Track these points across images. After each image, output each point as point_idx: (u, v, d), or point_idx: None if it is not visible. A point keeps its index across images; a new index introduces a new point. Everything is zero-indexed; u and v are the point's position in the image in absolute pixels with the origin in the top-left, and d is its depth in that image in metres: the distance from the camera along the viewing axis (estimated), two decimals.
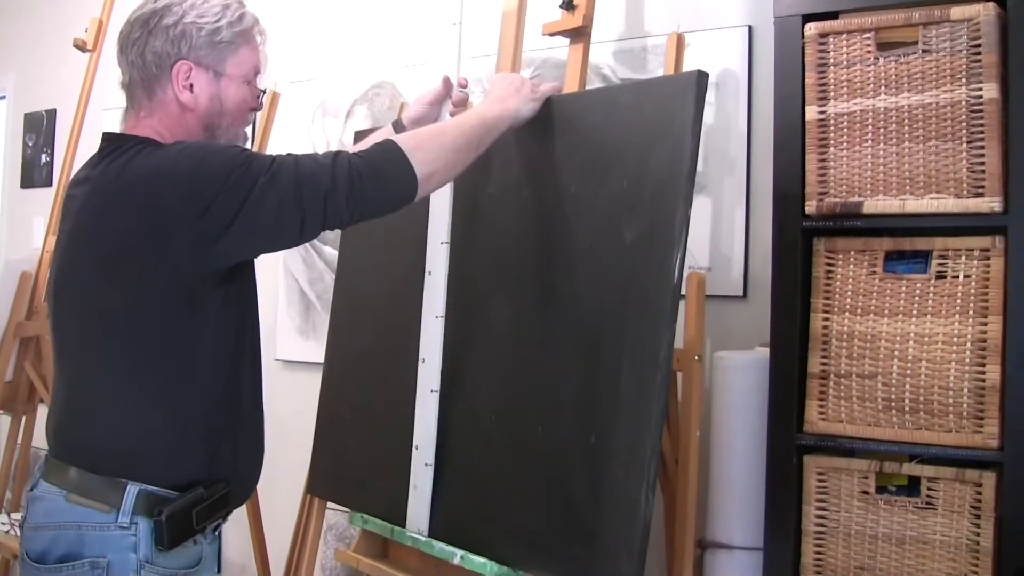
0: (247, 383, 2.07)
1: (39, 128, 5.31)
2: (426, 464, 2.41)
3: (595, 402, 2.15)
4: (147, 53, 2.01)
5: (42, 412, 4.29)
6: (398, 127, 2.49)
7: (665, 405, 2.04)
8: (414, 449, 2.44)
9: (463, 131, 2.12)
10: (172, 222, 1.86)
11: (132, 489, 1.91)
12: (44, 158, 5.29)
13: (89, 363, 1.98)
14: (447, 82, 2.50)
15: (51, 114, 5.27)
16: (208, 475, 1.98)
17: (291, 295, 4.18)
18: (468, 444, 2.40)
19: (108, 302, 1.92)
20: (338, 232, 3.23)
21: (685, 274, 2.74)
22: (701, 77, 2.10)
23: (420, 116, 2.51)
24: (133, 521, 1.90)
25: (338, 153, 1.95)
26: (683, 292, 2.61)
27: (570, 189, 2.30)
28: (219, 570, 4.01)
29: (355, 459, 2.77)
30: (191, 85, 2.02)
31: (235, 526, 3.71)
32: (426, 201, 2.48)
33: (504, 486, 2.27)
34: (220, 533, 2.11)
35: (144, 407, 1.94)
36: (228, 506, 2.06)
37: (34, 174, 5.34)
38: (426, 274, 2.50)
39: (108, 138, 2.03)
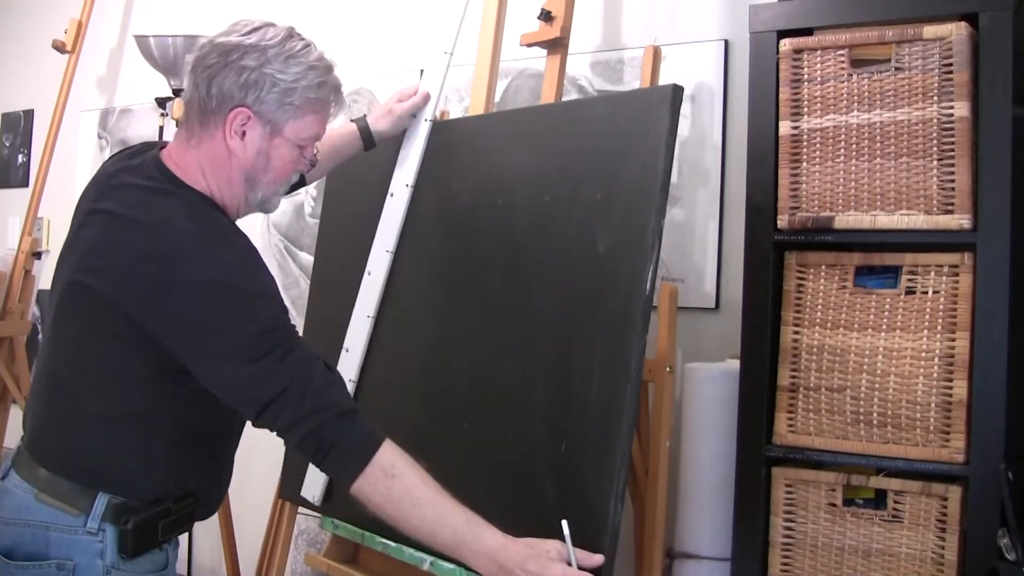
0: (217, 414, 2.01)
1: (16, 128, 5.30)
2: None
3: (566, 411, 2.16)
4: (214, 85, 1.92)
5: (14, 412, 4.29)
6: (362, 127, 2.55)
7: (635, 415, 2.05)
8: None
9: (429, 531, 1.92)
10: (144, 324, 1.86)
11: (103, 497, 1.91)
12: (21, 158, 5.27)
13: (72, 379, 1.97)
14: (427, 97, 2.58)
15: (28, 114, 5.25)
16: (177, 492, 1.98)
17: None
18: (441, 450, 2.40)
19: (99, 335, 1.92)
20: (314, 237, 3.24)
21: (657, 285, 2.76)
22: (676, 91, 2.12)
23: (391, 129, 2.60)
24: (101, 528, 1.90)
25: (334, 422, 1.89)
26: (655, 303, 2.63)
27: (544, 199, 2.32)
28: (189, 573, 4.01)
29: None
30: (244, 133, 1.95)
31: (206, 530, 3.70)
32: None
33: (476, 493, 2.26)
34: (190, 536, 2.11)
35: (120, 432, 1.93)
36: (193, 520, 2.06)
37: (10, 174, 5.32)
38: (365, 274, 2.58)
39: (162, 169, 1.97)
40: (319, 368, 1.91)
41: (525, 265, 2.33)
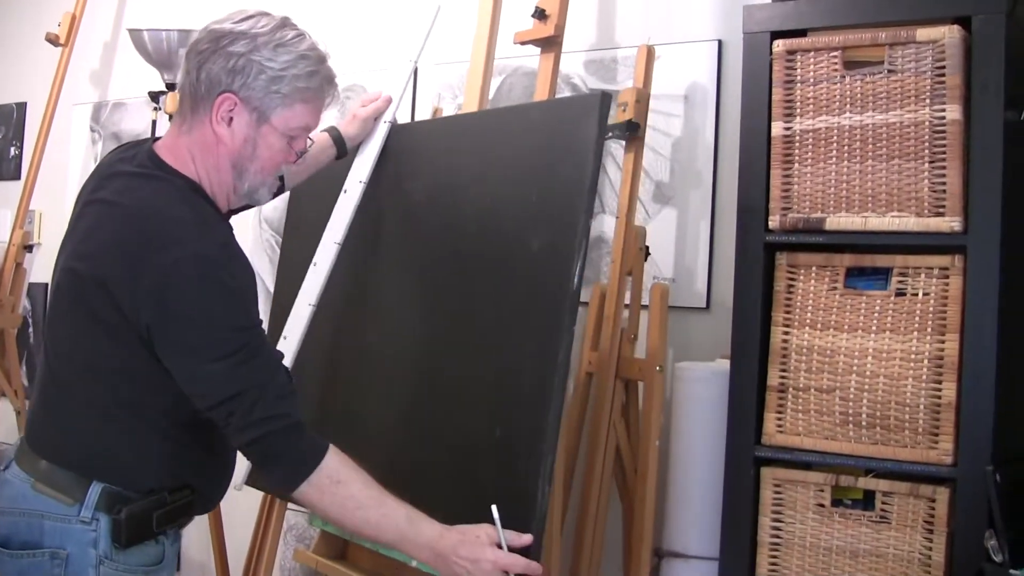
0: None
1: (8, 121, 5.28)
2: None
3: (501, 398, 2.24)
4: (203, 71, 1.93)
5: (3, 406, 4.28)
6: (334, 135, 2.57)
7: (562, 404, 2.11)
8: None
9: (374, 531, 2.00)
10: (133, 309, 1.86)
11: (96, 486, 1.91)
12: (13, 151, 5.26)
13: (66, 369, 1.98)
14: (388, 100, 2.63)
15: (21, 107, 5.23)
16: (172, 483, 1.98)
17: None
18: (383, 438, 2.51)
19: (89, 323, 1.91)
20: None
21: (648, 285, 2.78)
22: (604, 98, 2.19)
23: (360, 133, 2.62)
24: (95, 517, 1.90)
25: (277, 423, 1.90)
26: (647, 303, 2.64)
27: (485, 199, 2.41)
28: (178, 568, 4.01)
29: None
30: (231, 119, 1.95)
31: (195, 525, 3.69)
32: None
33: (417, 479, 2.33)
34: (180, 533, 2.11)
35: (110, 421, 1.94)
36: (191, 513, 2.06)
37: (2, 167, 5.30)
38: (312, 265, 2.60)
39: (153, 156, 1.99)
40: (279, 376, 1.93)
41: (468, 261, 2.42)
